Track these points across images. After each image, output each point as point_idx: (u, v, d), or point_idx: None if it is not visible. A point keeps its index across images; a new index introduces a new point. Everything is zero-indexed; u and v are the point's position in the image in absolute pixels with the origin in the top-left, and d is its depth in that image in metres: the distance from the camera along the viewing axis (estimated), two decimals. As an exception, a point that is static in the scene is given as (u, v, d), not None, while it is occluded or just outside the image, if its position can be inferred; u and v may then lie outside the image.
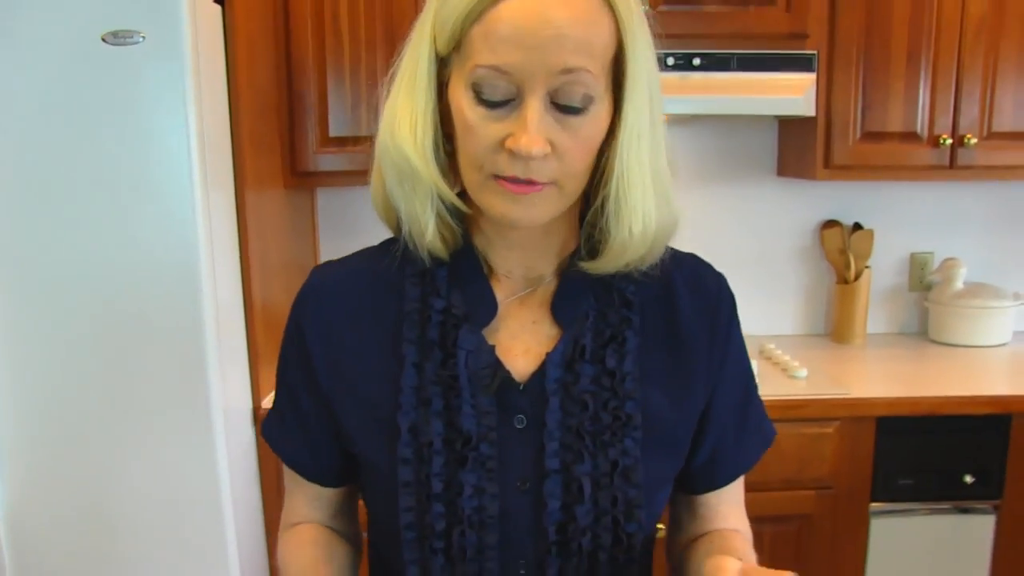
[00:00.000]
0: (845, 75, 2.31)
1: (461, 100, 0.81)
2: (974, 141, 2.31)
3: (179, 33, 1.75)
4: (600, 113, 0.81)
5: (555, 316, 0.92)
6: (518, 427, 0.89)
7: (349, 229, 2.73)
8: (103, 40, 1.75)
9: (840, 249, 2.67)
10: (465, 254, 0.92)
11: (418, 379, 0.89)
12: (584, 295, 0.92)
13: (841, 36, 2.30)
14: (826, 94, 2.32)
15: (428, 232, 0.88)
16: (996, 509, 2.20)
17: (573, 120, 0.79)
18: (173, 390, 1.88)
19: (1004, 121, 2.33)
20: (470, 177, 0.84)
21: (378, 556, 1.00)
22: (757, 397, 1.02)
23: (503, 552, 0.89)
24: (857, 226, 2.67)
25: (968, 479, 2.16)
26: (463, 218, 0.91)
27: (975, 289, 2.62)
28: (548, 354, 0.90)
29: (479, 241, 0.93)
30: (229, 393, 1.97)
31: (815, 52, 2.25)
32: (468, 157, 0.82)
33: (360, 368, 0.92)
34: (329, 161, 2.31)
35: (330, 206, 2.73)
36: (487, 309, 0.91)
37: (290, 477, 1.03)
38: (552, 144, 0.79)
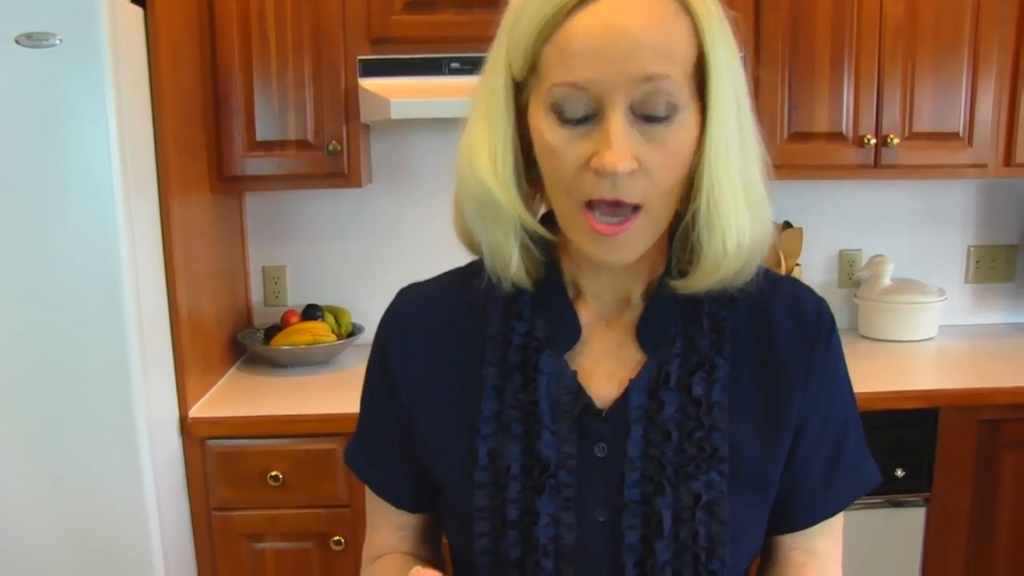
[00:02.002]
0: (772, 75, 2.33)
1: (541, 123, 0.77)
2: (897, 141, 2.35)
3: (97, 35, 1.70)
4: (686, 123, 0.77)
5: (640, 341, 0.88)
6: (598, 455, 0.85)
7: (279, 234, 2.68)
8: (16, 42, 1.69)
9: (771, 247, 2.69)
10: (552, 278, 0.89)
11: (498, 403, 0.87)
12: (671, 319, 0.88)
13: (767, 37, 2.32)
14: (753, 94, 2.34)
15: (513, 264, 0.85)
16: (926, 502, 2.24)
17: (658, 131, 0.75)
18: (96, 401, 1.83)
19: (923, 122, 2.38)
20: (561, 204, 0.80)
21: None
22: (859, 436, 0.93)
23: None
24: (787, 224, 2.70)
25: (899, 473, 2.20)
26: (547, 243, 0.87)
27: (902, 285, 2.67)
28: (632, 380, 0.86)
29: (566, 264, 0.90)
30: (154, 403, 1.92)
31: (742, 53, 2.26)
32: (554, 182, 0.79)
33: (441, 390, 0.90)
34: (257, 165, 2.27)
35: (259, 211, 2.67)
36: (570, 334, 0.88)
37: (373, 507, 1.00)
38: (639, 160, 0.74)
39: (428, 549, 1.01)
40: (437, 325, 0.92)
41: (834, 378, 0.90)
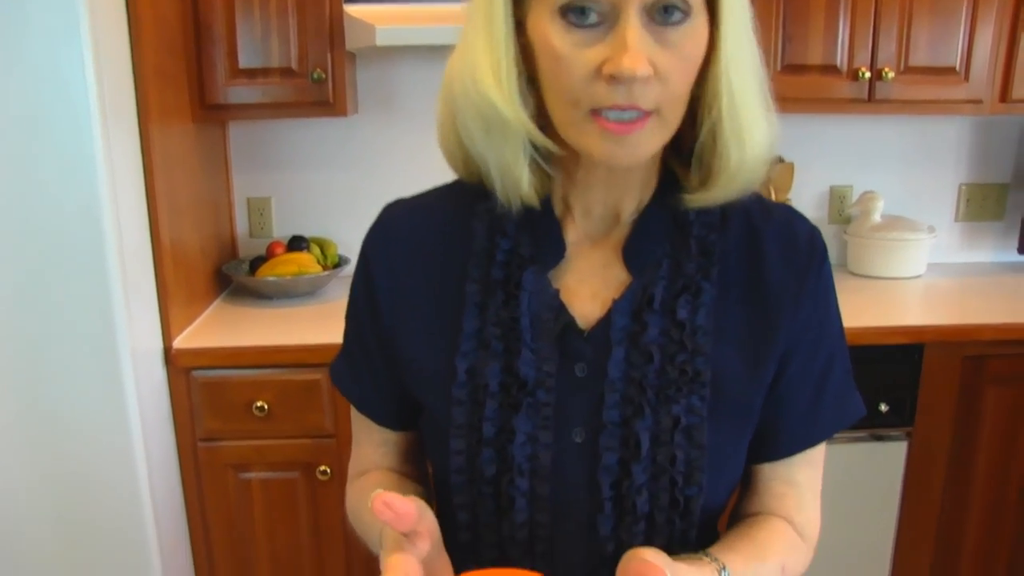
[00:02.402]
0: (766, 8, 2.28)
1: (547, 30, 0.74)
2: (892, 75, 2.32)
3: (71, -42, 1.64)
4: (698, 28, 0.75)
5: (626, 261, 0.86)
6: (579, 375, 0.84)
7: (264, 164, 2.64)
8: (-14, -36, 1.63)
9: (761, 182, 2.67)
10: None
11: (479, 320, 0.85)
12: (659, 241, 0.86)
13: (763, -34, 2.27)
14: (748, 25, 2.30)
15: (524, 182, 0.83)
16: (908, 436, 2.26)
17: (673, 35, 0.73)
18: (78, 332, 1.82)
19: (920, 56, 2.34)
20: (564, 115, 0.77)
21: (440, 502, 0.97)
22: (845, 368, 0.92)
23: (555, 504, 0.85)
24: (778, 159, 2.68)
25: (883, 408, 2.21)
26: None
27: (892, 222, 2.66)
28: (615, 301, 0.85)
29: (559, 181, 0.88)
30: (137, 334, 1.91)
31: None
32: (561, 93, 0.76)
33: (423, 306, 0.89)
34: (240, 94, 2.22)
35: (243, 141, 2.63)
36: (555, 251, 0.87)
37: (357, 424, 1.00)
38: (654, 66, 0.72)
39: (411, 467, 1.01)
40: (421, 241, 0.91)
41: (823, 308, 0.89)
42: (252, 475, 2.13)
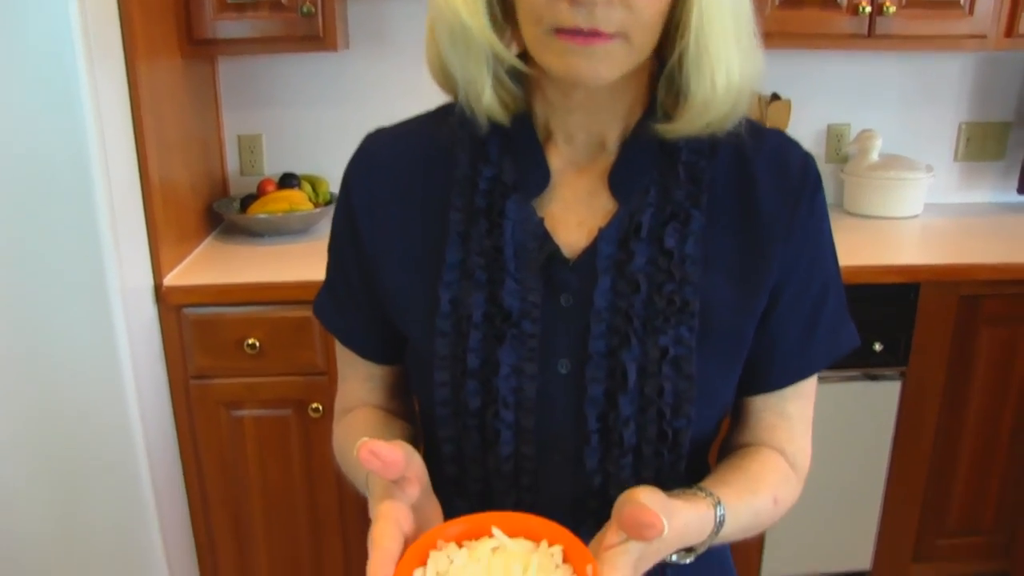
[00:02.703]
0: (766, -62, 2.24)
1: None
2: (893, 9, 2.27)
3: None
4: None
5: (612, 189, 0.84)
6: (564, 306, 0.82)
7: (254, 101, 2.60)
8: None
9: (757, 119, 2.63)
10: (522, 119, 0.85)
11: (463, 250, 0.83)
12: (647, 167, 0.84)
13: None
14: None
15: (485, 95, 0.81)
16: (902, 376, 2.26)
17: None
18: (67, 272, 1.80)
19: (922, -11, 2.30)
20: (529, 33, 0.75)
21: (426, 436, 0.96)
22: (839, 298, 0.90)
23: (540, 437, 0.84)
24: (775, 96, 2.64)
25: (877, 347, 2.21)
26: (524, 82, 0.84)
27: (890, 161, 2.63)
28: (601, 229, 0.83)
29: (539, 106, 0.85)
30: (128, 271, 1.89)
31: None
32: (525, 10, 0.74)
33: (405, 236, 0.87)
34: (229, 28, 2.18)
35: (233, 77, 2.59)
36: (539, 178, 0.84)
37: (342, 359, 0.99)
38: None
39: (398, 403, 1.00)
40: (403, 169, 0.89)
41: (816, 237, 0.87)
42: (244, 413, 2.13)
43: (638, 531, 0.62)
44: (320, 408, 2.10)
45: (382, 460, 0.65)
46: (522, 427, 0.83)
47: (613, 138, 0.86)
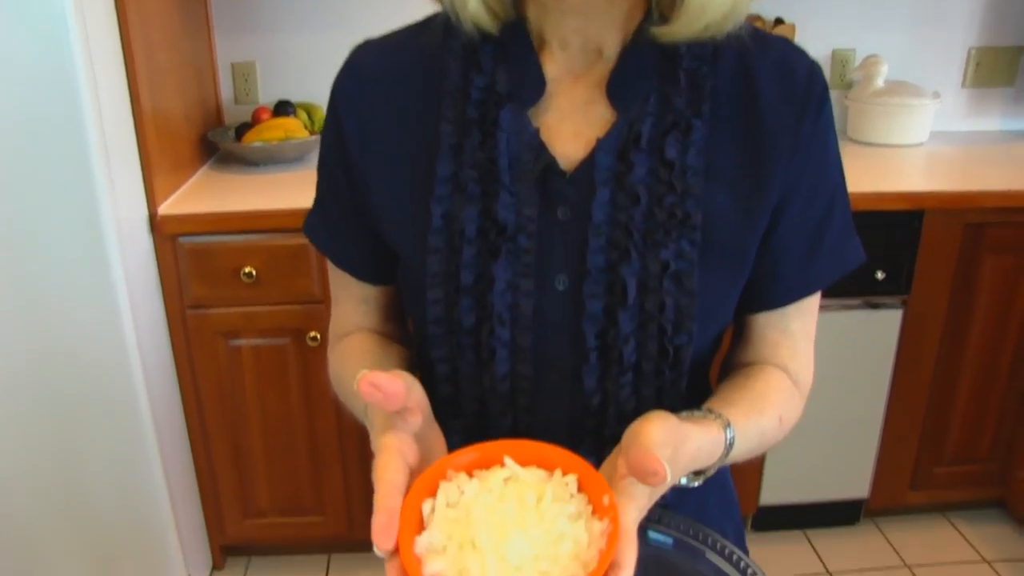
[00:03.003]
0: None
1: None
2: (903, -72, 2.21)
3: None
4: None
5: (610, 97, 0.81)
6: (561, 219, 0.80)
7: (248, 26, 2.55)
8: None
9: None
10: (514, 26, 0.81)
11: (455, 163, 0.80)
12: (646, 75, 0.80)
13: None
14: None
15: (471, 1, 0.77)
16: (903, 304, 2.24)
17: None
18: (60, 203, 1.78)
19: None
20: None
21: (420, 356, 0.94)
22: (845, 213, 0.87)
23: (537, 356, 0.82)
24: (778, 21, 2.58)
25: (879, 275, 2.19)
26: None
27: (895, 87, 2.58)
28: (600, 140, 0.79)
29: (533, 10, 0.82)
30: (121, 201, 1.87)
31: None
32: None
33: (396, 150, 0.84)
34: (218, -51, 2.12)
35: (225, 1, 2.52)
36: (533, 87, 0.81)
37: (336, 282, 0.96)
38: None
39: (393, 327, 0.98)
40: (392, 81, 0.85)
41: (822, 149, 0.83)
42: (242, 342, 2.13)
43: (642, 477, 0.60)
44: (318, 337, 2.09)
45: (383, 392, 0.62)
46: (518, 345, 0.81)
47: (611, 44, 0.82)
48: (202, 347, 2.13)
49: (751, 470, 2.38)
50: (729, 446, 0.75)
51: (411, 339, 0.99)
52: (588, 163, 0.80)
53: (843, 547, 2.49)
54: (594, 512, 0.61)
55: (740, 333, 0.92)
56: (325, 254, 0.94)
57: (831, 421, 2.34)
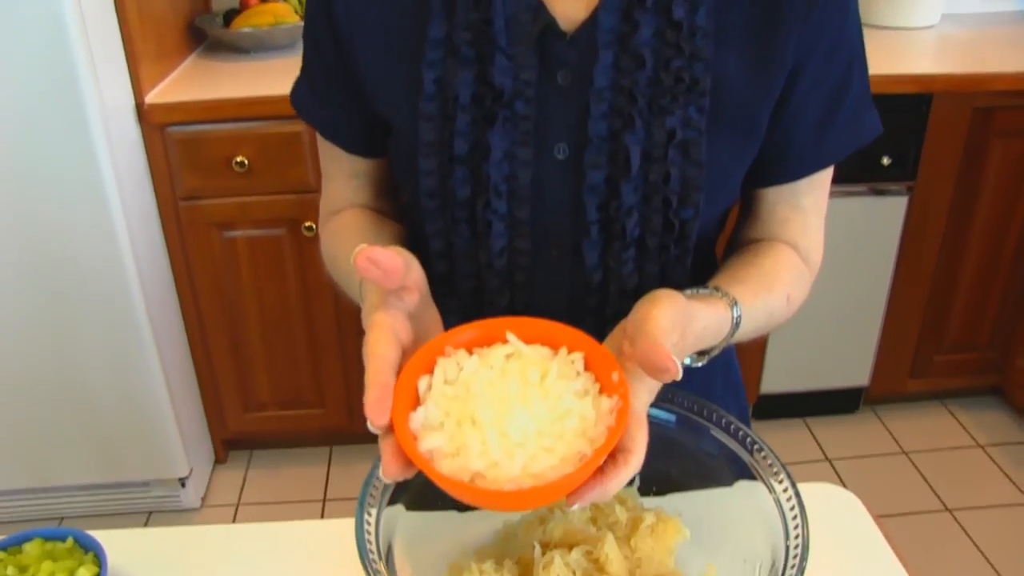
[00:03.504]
0: None
1: None
2: None
3: None
4: None
5: None
6: (561, 84, 0.75)
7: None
8: None
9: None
10: None
11: (448, 25, 0.75)
12: None
13: None
14: None
15: None
16: (909, 191, 2.21)
17: None
18: (42, 93, 1.74)
19: None
20: None
21: (413, 233, 0.90)
22: (863, 80, 0.81)
23: (535, 229, 0.78)
24: None
25: (885, 161, 2.15)
26: None
27: (906, -33, 2.48)
28: None
29: None
30: (106, 90, 1.82)
31: None
32: None
33: (384, 12, 0.79)
34: None
35: None
36: None
37: (325, 155, 0.92)
38: None
39: (386, 203, 0.94)
40: None
41: (841, 11, 0.77)
42: (237, 233, 2.09)
43: (651, 372, 0.57)
44: (313, 227, 2.06)
45: (381, 268, 0.59)
46: (515, 218, 0.78)
47: None
48: (196, 240, 2.09)
49: (752, 359, 2.38)
50: (736, 325, 0.73)
51: (405, 216, 0.96)
52: (590, 23, 0.75)
53: (842, 434, 2.51)
54: (602, 391, 0.59)
55: (748, 209, 0.88)
56: (313, 125, 0.90)
57: (833, 309, 2.32)
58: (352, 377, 2.28)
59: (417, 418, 0.58)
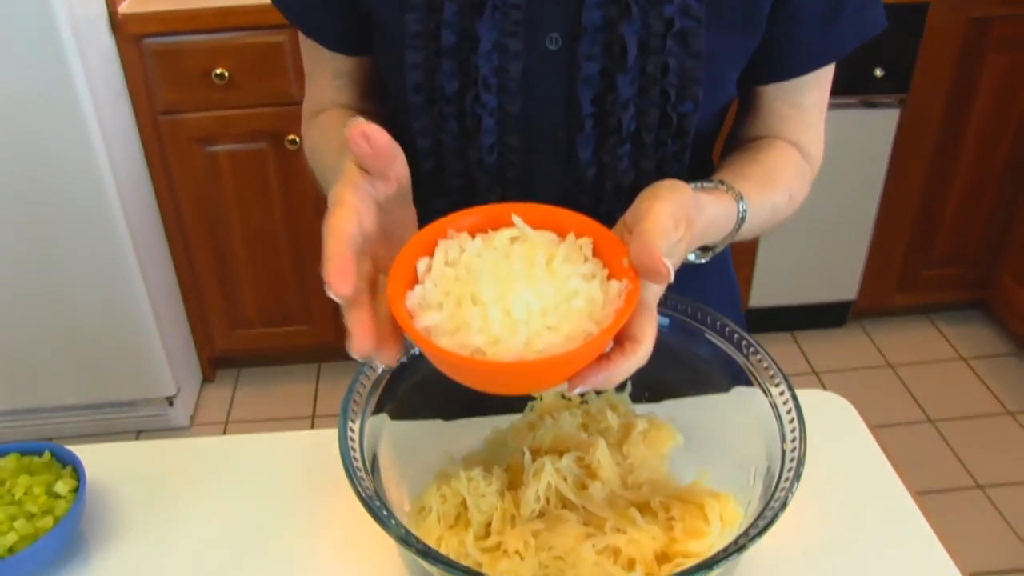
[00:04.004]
0: None
1: None
2: None
3: None
4: None
5: None
6: None
7: None
8: None
9: None
10: None
11: None
12: None
13: None
14: None
15: None
16: (901, 104, 2.18)
17: None
18: (10, 2, 1.67)
19: None
20: None
21: (399, 131, 0.88)
22: None
23: (527, 124, 0.76)
24: None
25: (878, 72, 2.11)
26: None
27: None
28: None
29: None
30: (76, 1, 1.75)
31: None
32: None
33: None
34: None
35: None
36: None
37: (308, 55, 0.88)
38: None
39: (369, 104, 0.91)
40: None
41: None
42: (218, 148, 2.05)
43: (644, 274, 0.55)
44: (297, 140, 2.02)
45: (373, 146, 0.56)
46: (506, 113, 0.76)
47: None
48: (177, 155, 2.05)
49: (741, 272, 2.37)
50: (741, 219, 0.71)
51: (390, 120, 0.92)
52: None
53: (829, 348, 2.53)
54: (610, 276, 0.56)
55: (748, 106, 0.86)
56: (295, 23, 0.86)
57: (822, 223, 2.31)
58: (339, 294, 2.25)
59: (414, 296, 0.56)
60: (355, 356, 0.54)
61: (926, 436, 2.22)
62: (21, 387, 2.12)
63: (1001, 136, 2.27)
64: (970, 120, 2.24)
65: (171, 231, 2.16)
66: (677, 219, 0.57)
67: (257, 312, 2.31)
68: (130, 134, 2.00)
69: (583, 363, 0.53)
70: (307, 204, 2.13)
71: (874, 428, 0.90)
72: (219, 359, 2.46)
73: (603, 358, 0.54)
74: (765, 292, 2.44)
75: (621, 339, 0.55)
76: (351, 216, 0.55)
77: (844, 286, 2.47)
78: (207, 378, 2.45)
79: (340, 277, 0.52)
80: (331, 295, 0.52)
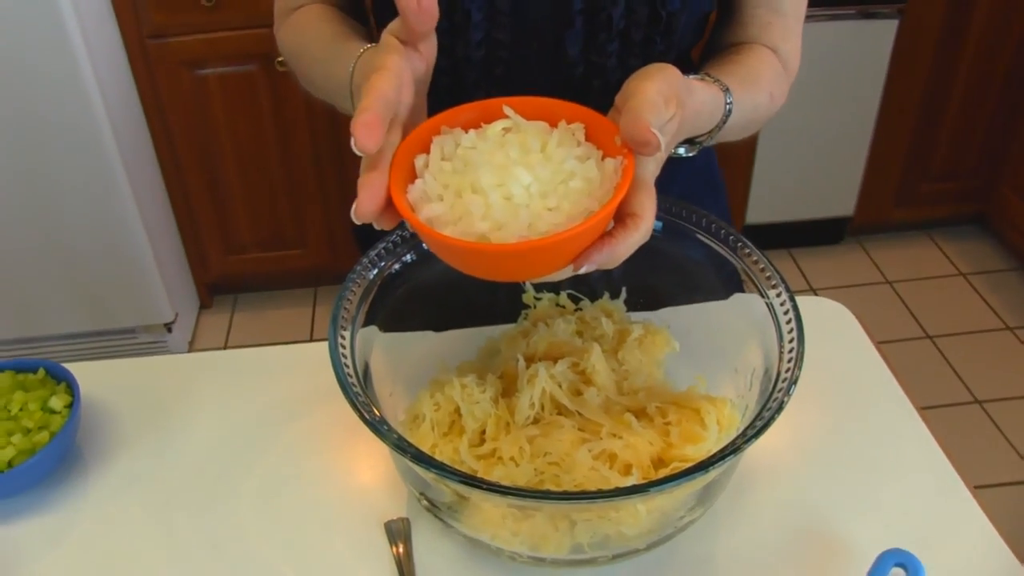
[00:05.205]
0: None
1: None
2: None
3: None
4: None
5: None
6: None
7: None
8: None
9: None
10: None
11: None
12: None
13: None
14: None
15: None
16: (900, 14, 2.14)
17: None
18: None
19: None
20: None
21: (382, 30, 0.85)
22: None
23: (516, 19, 0.75)
24: None
25: (877, -21, 2.07)
26: None
27: None
28: None
29: None
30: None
31: None
32: None
33: None
34: None
35: None
36: None
37: None
38: None
39: (348, 3, 0.87)
40: None
41: None
42: (208, 71, 2.02)
43: (634, 146, 0.54)
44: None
45: (421, 3, 0.54)
46: (495, 8, 0.74)
47: None
48: (166, 79, 2.02)
49: (737, 189, 2.35)
50: (728, 112, 0.70)
51: (370, 25, 0.89)
52: None
53: (827, 265, 2.52)
54: (605, 156, 0.56)
55: (728, 13, 0.85)
56: None
57: (819, 137, 2.28)
58: (333, 215, 2.25)
59: (415, 190, 0.55)
60: (357, 219, 0.53)
61: (925, 352, 2.22)
62: (19, 316, 2.12)
63: (1001, 46, 2.24)
64: (970, 30, 2.20)
65: (163, 156, 2.14)
66: (667, 96, 0.56)
67: (251, 236, 2.30)
68: (118, 58, 1.97)
69: (587, 241, 0.53)
70: (299, 126, 2.10)
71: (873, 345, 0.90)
72: (216, 285, 2.46)
73: (606, 235, 0.54)
74: (761, 209, 2.42)
75: (622, 216, 0.54)
76: (392, 79, 0.54)
77: (841, 202, 2.45)
78: (204, 304, 2.45)
79: (366, 130, 0.50)
80: (355, 149, 0.51)
